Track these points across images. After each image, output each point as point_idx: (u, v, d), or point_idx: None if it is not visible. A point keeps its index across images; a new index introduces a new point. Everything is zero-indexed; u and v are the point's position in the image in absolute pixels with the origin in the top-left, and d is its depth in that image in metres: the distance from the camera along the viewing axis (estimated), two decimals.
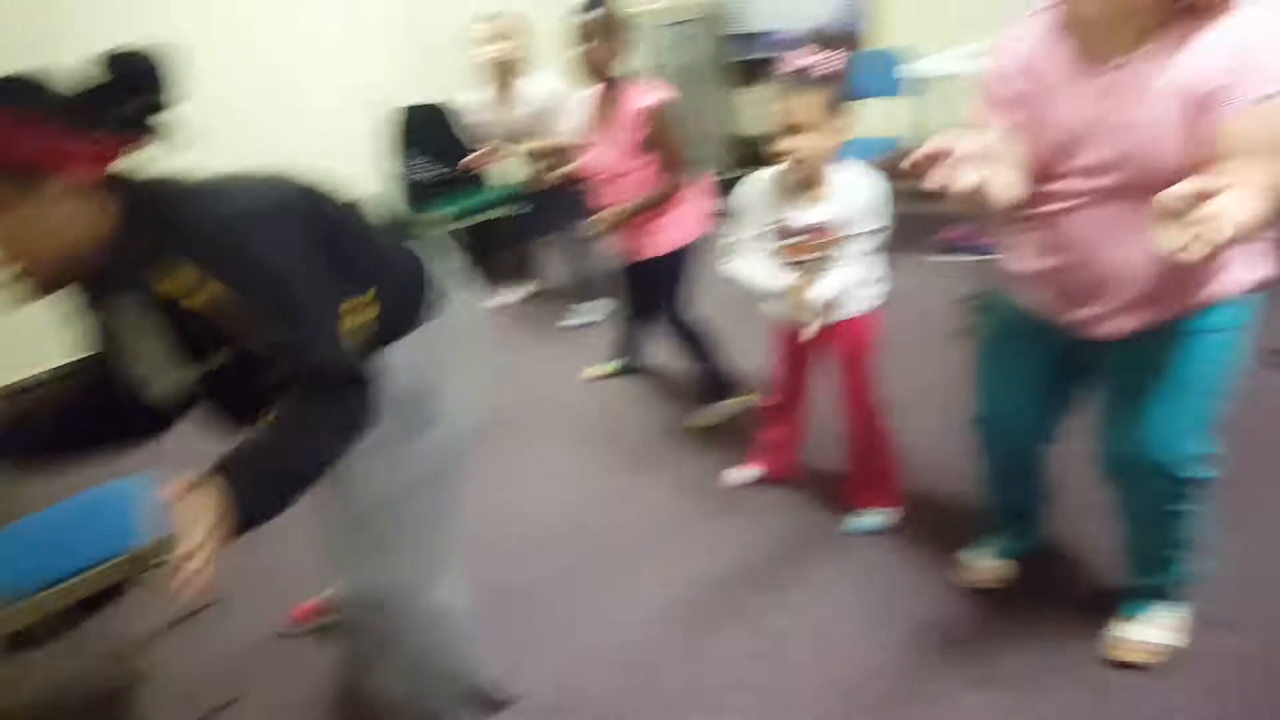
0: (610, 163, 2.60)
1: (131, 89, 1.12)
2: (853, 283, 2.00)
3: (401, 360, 1.36)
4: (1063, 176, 1.40)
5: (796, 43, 1.92)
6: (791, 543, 2.22)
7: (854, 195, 1.94)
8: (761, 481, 2.46)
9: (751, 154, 4.70)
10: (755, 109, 5.07)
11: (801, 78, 1.85)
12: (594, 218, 2.65)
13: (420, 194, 4.29)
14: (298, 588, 2.18)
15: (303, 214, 1.22)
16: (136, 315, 1.17)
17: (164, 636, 2.16)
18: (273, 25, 3.93)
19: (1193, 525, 1.58)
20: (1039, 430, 1.76)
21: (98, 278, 1.16)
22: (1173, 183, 1.09)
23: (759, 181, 2.05)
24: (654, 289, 2.75)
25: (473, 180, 4.27)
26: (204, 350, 1.19)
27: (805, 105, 1.85)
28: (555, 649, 1.99)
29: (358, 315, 1.29)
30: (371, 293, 1.32)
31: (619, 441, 2.84)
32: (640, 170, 2.55)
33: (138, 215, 1.13)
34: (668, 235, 2.61)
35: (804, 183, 1.96)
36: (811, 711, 1.72)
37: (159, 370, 1.23)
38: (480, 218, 4.21)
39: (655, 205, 2.55)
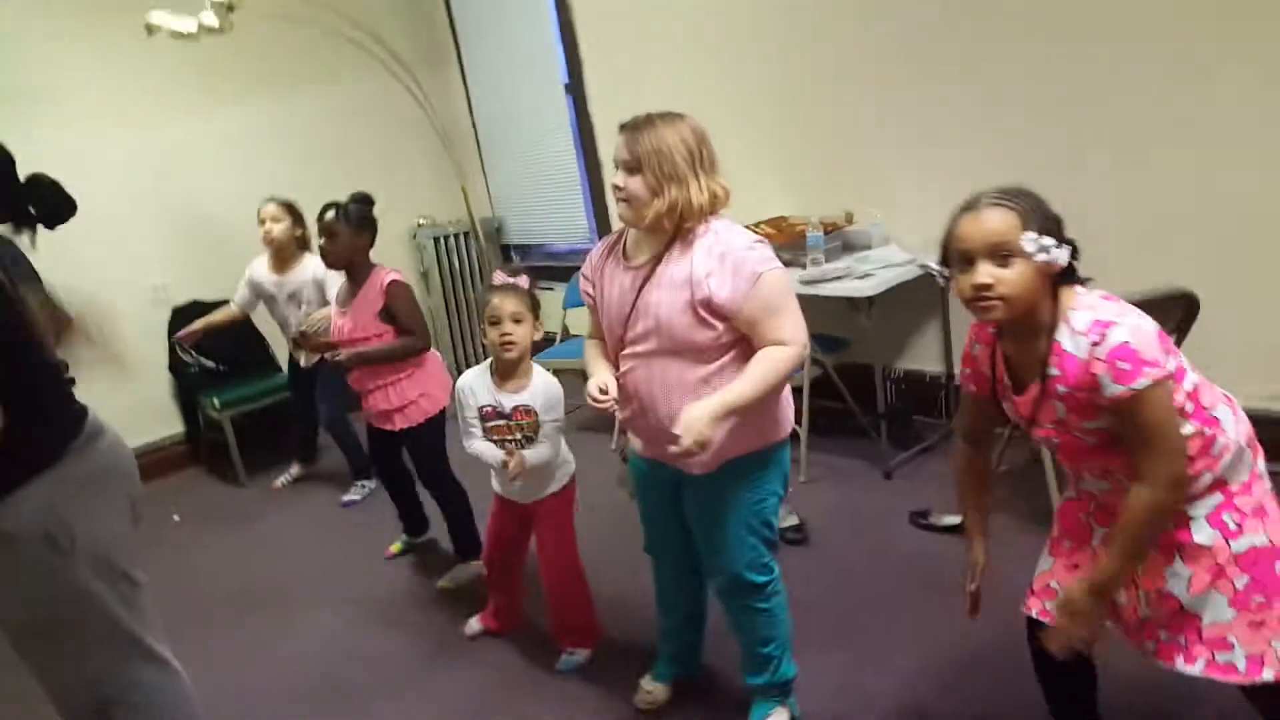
0: (353, 332, 2.97)
1: None
2: (551, 459, 2.45)
3: (43, 494, 1.63)
4: (624, 344, 1.94)
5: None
6: (509, 682, 2.55)
7: (547, 387, 2.45)
8: (492, 633, 2.79)
9: None
10: None
11: (504, 288, 2.39)
12: (341, 354, 2.95)
13: (198, 382, 4.56)
14: None
15: None
16: None
17: None
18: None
19: (774, 622, 2.07)
20: (682, 558, 2.19)
21: None
22: (692, 348, 1.79)
23: (478, 371, 2.51)
24: (413, 457, 3.12)
25: (244, 369, 4.60)
26: None
27: (518, 300, 2.36)
28: None
29: None
30: None
31: (377, 603, 3.11)
32: (379, 339, 2.96)
33: None
34: (417, 407, 2.98)
35: (510, 372, 2.44)
36: None
37: None
38: (251, 406, 4.49)
39: (396, 358, 2.93)
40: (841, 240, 3.64)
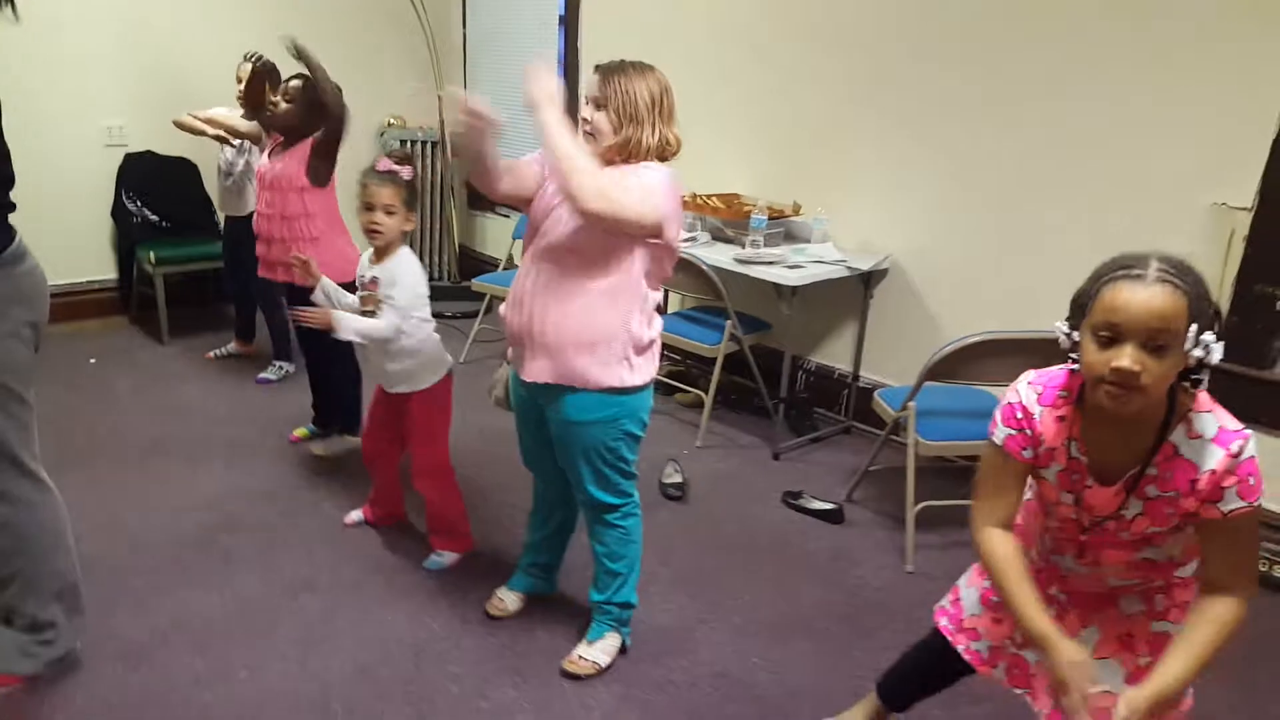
0: (276, 177, 3.17)
1: None
2: (378, 335, 2.51)
3: None
4: (534, 244, 2.09)
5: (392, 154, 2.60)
6: (370, 568, 2.70)
7: (397, 264, 2.55)
8: (372, 524, 2.94)
9: (474, 267, 5.39)
10: (487, 231, 5.80)
11: (383, 175, 2.49)
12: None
13: (139, 233, 4.57)
14: None
15: None
16: None
17: None
18: (33, 65, 4.14)
19: (626, 542, 2.25)
20: (553, 472, 2.32)
21: None
22: (589, 253, 1.95)
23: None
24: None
25: (185, 229, 4.62)
26: None
27: (394, 192, 2.49)
28: (143, 619, 2.36)
29: None
30: None
31: (269, 478, 3.24)
32: (298, 194, 3.14)
33: None
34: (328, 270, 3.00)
35: (380, 250, 2.57)
36: (344, 668, 2.20)
37: None
38: (186, 268, 4.54)
39: (327, 83, 3.04)
40: (784, 229, 3.79)
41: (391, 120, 5.37)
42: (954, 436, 2.85)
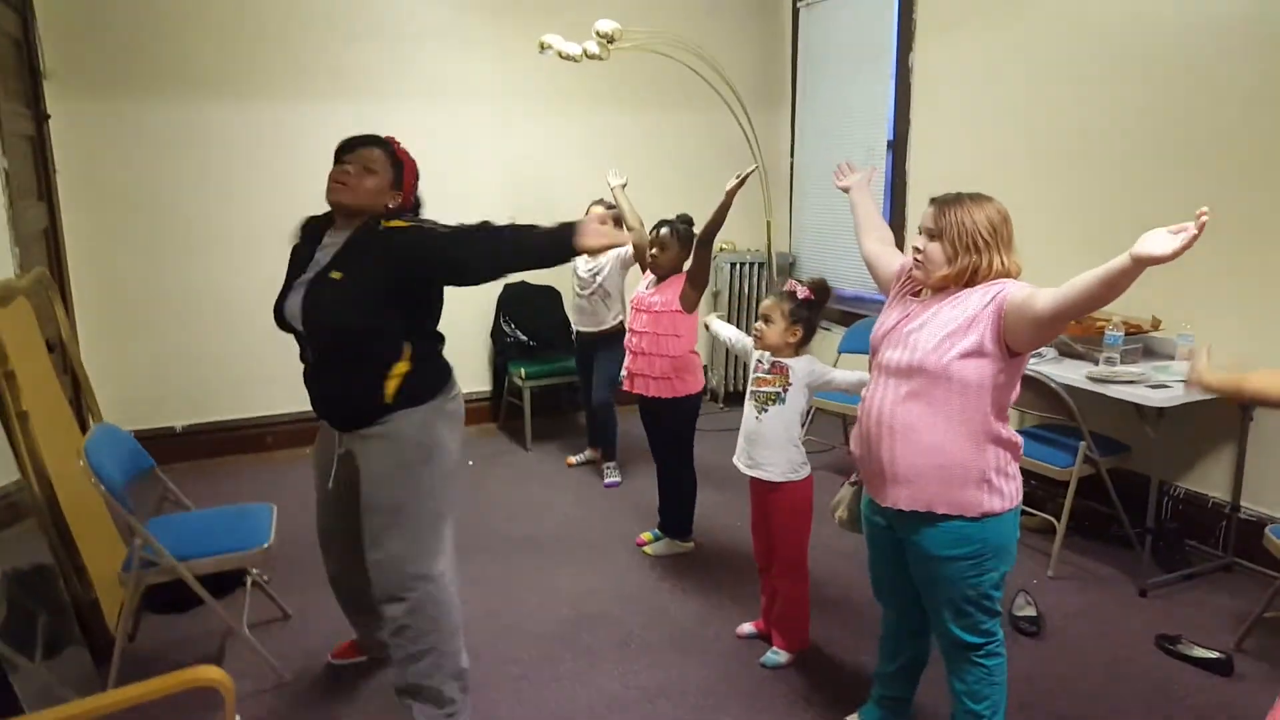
0: (662, 305, 3.56)
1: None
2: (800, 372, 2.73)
3: (421, 416, 2.32)
4: (876, 364, 2.14)
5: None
6: (724, 680, 2.80)
7: (802, 363, 2.76)
8: (761, 635, 3.01)
9: None
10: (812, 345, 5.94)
11: (782, 292, 2.74)
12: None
13: (511, 351, 5.27)
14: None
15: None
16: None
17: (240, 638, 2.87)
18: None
19: (990, 682, 2.14)
20: (908, 609, 2.30)
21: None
22: (942, 382, 1.97)
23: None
24: (649, 424, 3.68)
25: (549, 348, 5.23)
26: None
27: (774, 304, 2.74)
28: (521, 707, 2.65)
29: (399, 363, 2.28)
30: (409, 351, 2.29)
31: (620, 577, 3.52)
32: (669, 316, 3.51)
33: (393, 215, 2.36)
34: (668, 384, 3.51)
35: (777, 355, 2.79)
36: None
37: None
38: (548, 381, 5.11)
39: (714, 228, 3.40)
40: (1143, 344, 3.54)
41: (723, 245, 5.76)
42: None
